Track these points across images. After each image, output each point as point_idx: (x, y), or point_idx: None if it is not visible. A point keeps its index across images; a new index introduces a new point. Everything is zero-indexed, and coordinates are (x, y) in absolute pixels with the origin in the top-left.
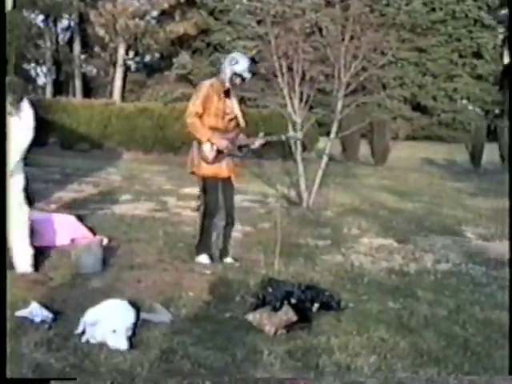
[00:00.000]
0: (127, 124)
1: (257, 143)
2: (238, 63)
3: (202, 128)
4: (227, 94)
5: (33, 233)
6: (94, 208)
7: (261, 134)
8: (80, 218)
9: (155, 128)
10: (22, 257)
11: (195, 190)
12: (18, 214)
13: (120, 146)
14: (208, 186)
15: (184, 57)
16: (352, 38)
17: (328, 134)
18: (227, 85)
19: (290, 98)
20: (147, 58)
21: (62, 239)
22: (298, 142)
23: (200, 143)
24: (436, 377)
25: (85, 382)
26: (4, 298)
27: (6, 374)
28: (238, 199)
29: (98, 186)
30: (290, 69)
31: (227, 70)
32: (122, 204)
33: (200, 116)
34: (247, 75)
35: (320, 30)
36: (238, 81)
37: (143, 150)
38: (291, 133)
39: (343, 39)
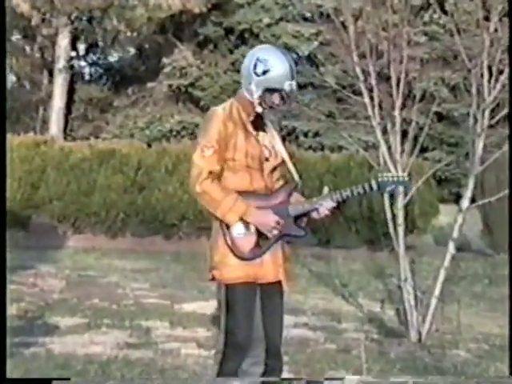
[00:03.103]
0: (77, 181)
1: (323, 208)
2: (270, 69)
3: (225, 198)
4: (258, 123)
5: None
6: (11, 344)
7: (326, 190)
8: None
9: (130, 188)
10: None
11: (205, 306)
12: None
13: (62, 222)
14: (236, 298)
15: (183, 54)
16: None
17: (457, 199)
18: (257, 109)
19: (385, 131)
20: (114, 57)
21: None
22: (401, 215)
23: (225, 224)
24: None
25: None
26: (4, 299)
27: (5, 373)
28: (288, 323)
29: (21, 301)
30: (383, 77)
31: (252, 84)
32: (65, 334)
33: (218, 174)
34: (290, 88)
35: None
36: (275, 99)
37: (107, 230)
38: (391, 174)
39: (487, 17)
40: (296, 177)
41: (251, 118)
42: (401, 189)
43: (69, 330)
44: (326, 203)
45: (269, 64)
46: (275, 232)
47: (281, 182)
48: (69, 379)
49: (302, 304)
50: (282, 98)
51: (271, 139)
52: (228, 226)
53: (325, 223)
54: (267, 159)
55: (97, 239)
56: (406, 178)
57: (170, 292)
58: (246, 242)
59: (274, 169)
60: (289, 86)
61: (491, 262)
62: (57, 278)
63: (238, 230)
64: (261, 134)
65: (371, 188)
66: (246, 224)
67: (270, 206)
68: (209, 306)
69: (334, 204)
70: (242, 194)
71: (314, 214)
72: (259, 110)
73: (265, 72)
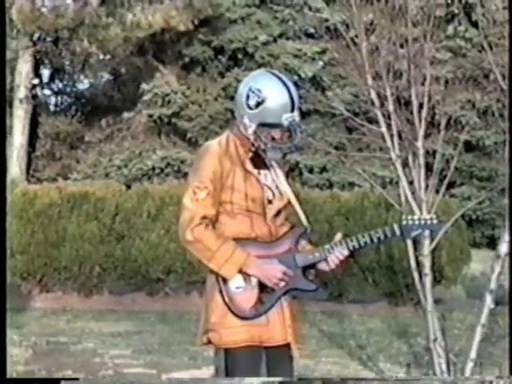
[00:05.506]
0: (43, 230)
1: (334, 258)
2: (264, 101)
3: (222, 247)
4: (258, 160)
5: None
6: None
7: (338, 236)
8: None
9: (107, 237)
10: None
11: (199, 375)
12: None
13: (27, 279)
14: (238, 365)
15: (166, 79)
16: None
17: (490, 243)
18: (255, 145)
19: (406, 164)
20: (84, 84)
21: None
22: (427, 264)
23: (222, 278)
24: None
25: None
26: (4, 298)
27: (5, 373)
28: None
29: None
30: (402, 101)
31: (245, 118)
32: None
33: (212, 220)
34: (289, 122)
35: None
36: (275, 134)
37: (80, 287)
38: (417, 216)
39: None
40: (304, 220)
41: (250, 154)
42: (427, 232)
43: None
44: (338, 252)
45: (262, 95)
46: (282, 285)
47: (286, 228)
48: (77, 379)
49: (312, 370)
50: (284, 133)
51: (275, 178)
52: (225, 280)
53: (337, 274)
54: (270, 201)
55: (68, 298)
56: (435, 221)
57: (157, 359)
58: (247, 297)
59: (279, 212)
60: (287, 120)
61: None
62: (21, 346)
63: (236, 283)
64: (262, 172)
65: (393, 233)
66: (246, 276)
67: (274, 256)
68: (203, 375)
69: (347, 253)
70: (242, 241)
71: (323, 266)
72: (257, 146)
73: (258, 104)
